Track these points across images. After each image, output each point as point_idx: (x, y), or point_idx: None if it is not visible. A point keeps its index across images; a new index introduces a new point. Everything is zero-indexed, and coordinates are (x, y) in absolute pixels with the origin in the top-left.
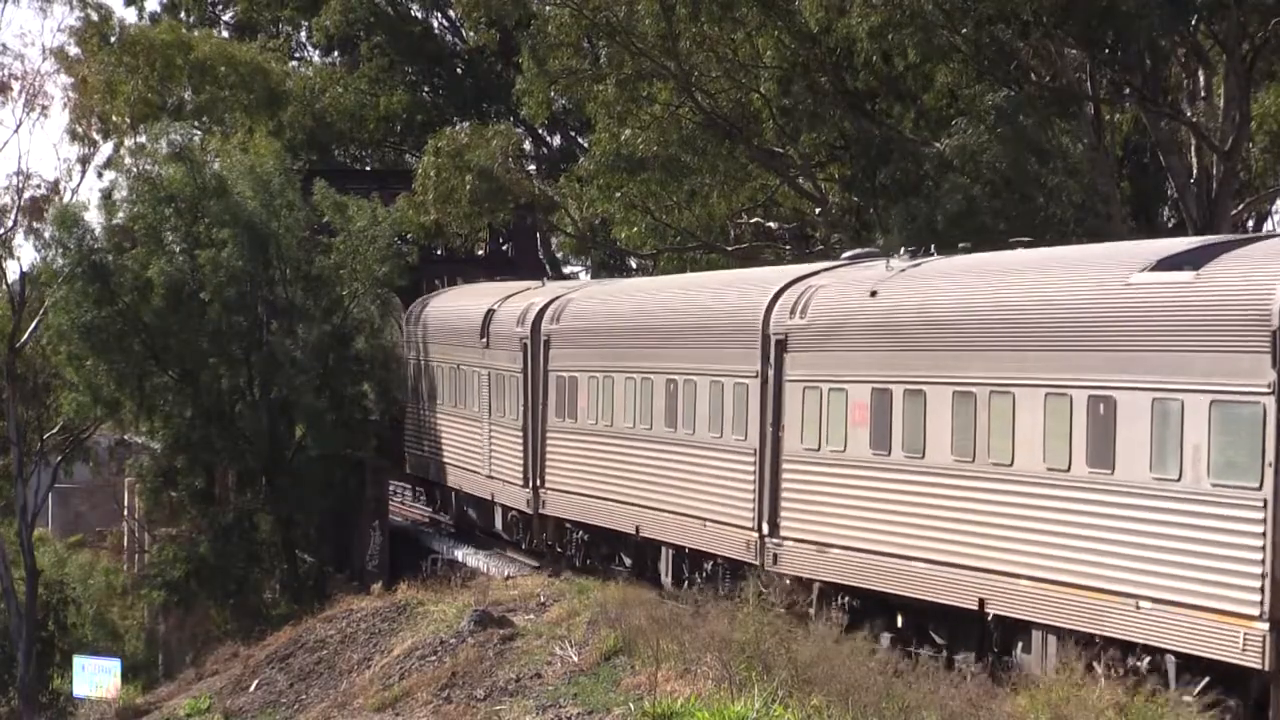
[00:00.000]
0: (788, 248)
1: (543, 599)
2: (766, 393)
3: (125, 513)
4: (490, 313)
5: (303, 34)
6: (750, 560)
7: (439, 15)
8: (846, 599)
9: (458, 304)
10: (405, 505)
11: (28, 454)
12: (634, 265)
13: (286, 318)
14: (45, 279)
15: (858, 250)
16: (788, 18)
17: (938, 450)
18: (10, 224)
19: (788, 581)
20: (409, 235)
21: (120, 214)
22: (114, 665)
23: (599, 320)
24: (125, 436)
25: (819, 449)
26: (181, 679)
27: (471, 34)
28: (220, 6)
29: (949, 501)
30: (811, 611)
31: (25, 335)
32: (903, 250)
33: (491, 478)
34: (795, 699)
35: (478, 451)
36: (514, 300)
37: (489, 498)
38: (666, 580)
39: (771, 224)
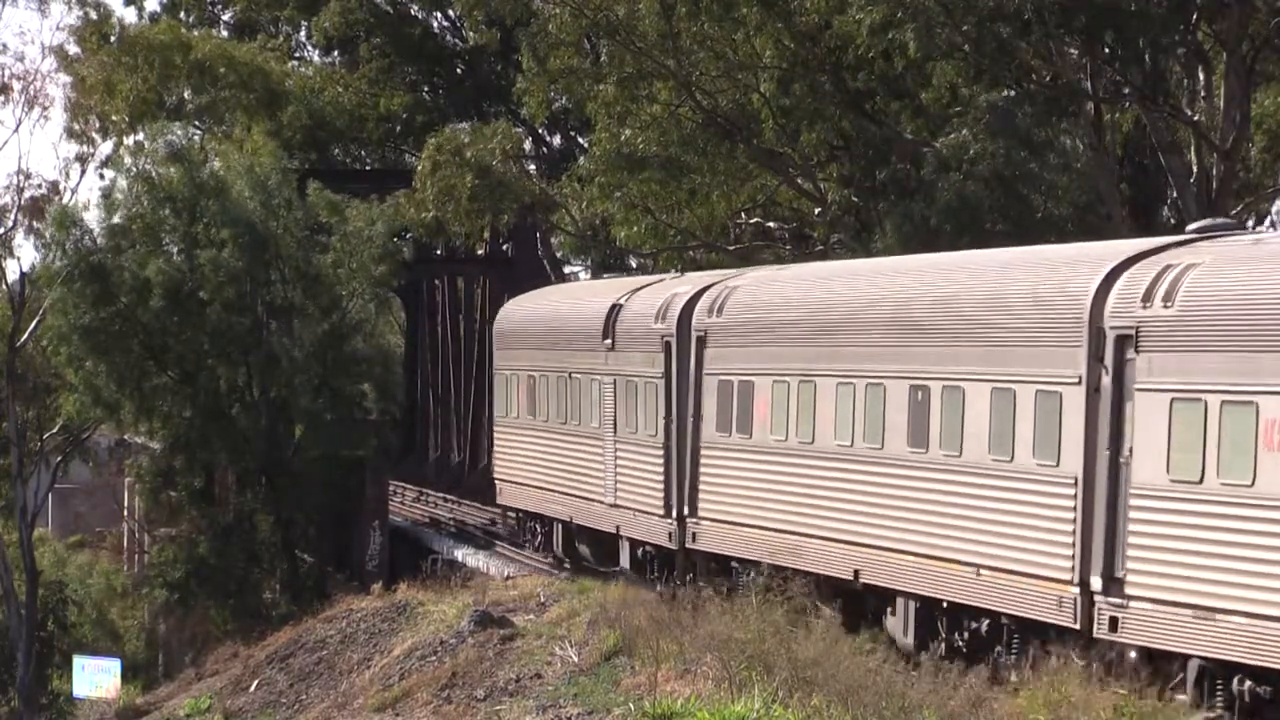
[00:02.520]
0: (788, 248)
1: (543, 599)
2: (1097, 404)
3: (125, 513)
4: (615, 309)
5: (302, 34)
6: (1065, 623)
7: (439, 15)
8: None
9: (564, 303)
10: (405, 505)
11: (27, 454)
12: (634, 265)
13: (285, 317)
14: (44, 280)
15: (1207, 221)
16: (787, 17)
17: None
18: (10, 224)
19: (1133, 655)
20: (409, 234)
21: (119, 214)
22: (114, 665)
23: (788, 311)
24: (125, 437)
25: (1202, 481)
26: (181, 679)
27: (472, 34)
28: (220, 6)
29: None
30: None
31: (25, 335)
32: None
33: (617, 506)
34: (795, 699)
35: (597, 476)
36: (647, 293)
37: (613, 531)
38: (905, 639)
39: (771, 224)
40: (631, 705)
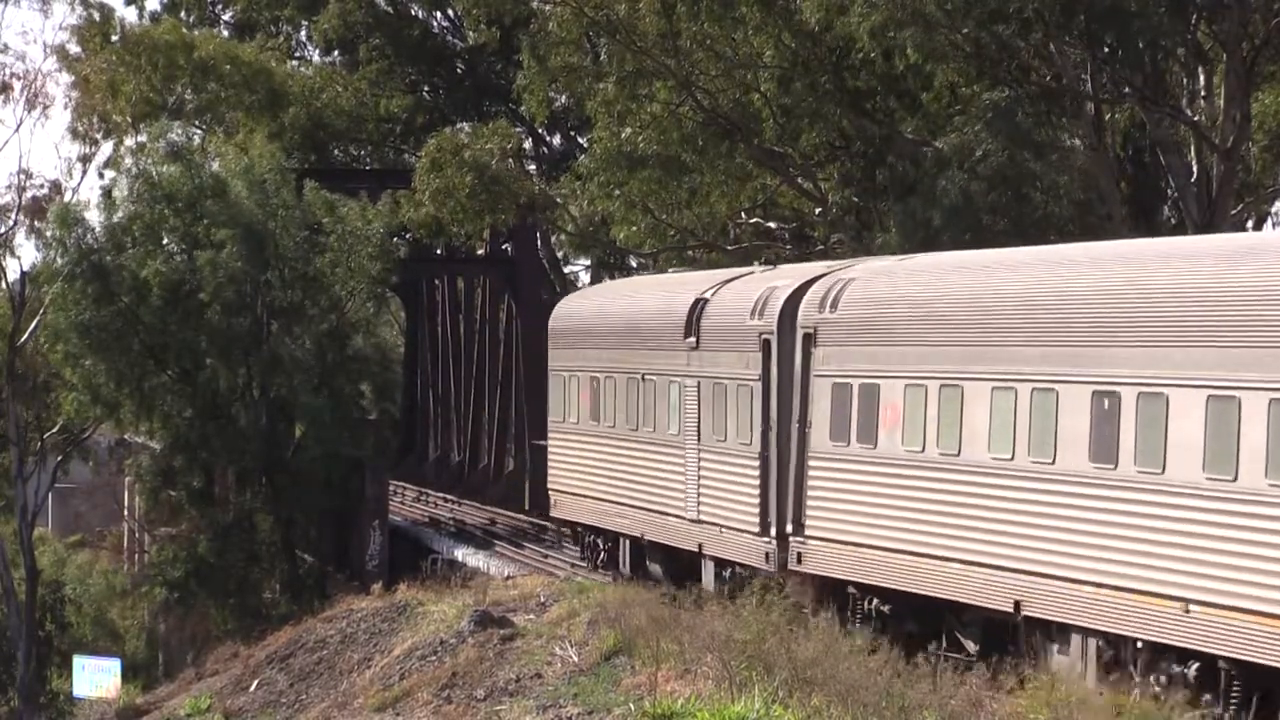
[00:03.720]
0: (788, 248)
1: (543, 599)
2: None
3: (125, 513)
4: (700, 304)
5: (302, 33)
6: None
7: (439, 15)
8: None
9: (634, 298)
10: (405, 505)
11: (27, 453)
12: (634, 264)
13: (285, 317)
14: (45, 279)
15: None
16: (787, 17)
17: None
18: (11, 223)
19: None
20: (407, 233)
21: (120, 213)
22: (114, 665)
23: (927, 306)
24: (125, 436)
25: None
26: (181, 679)
27: (471, 33)
28: (220, 6)
29: None
30: None
31: (25, 335)
32: None
33: (700, 522)
34: (795, 699)
35: (675, 488)
36: (736, 287)
37: (693, 549)
38: (1088, 678)
39: (771, 224)
40: (631, 705)
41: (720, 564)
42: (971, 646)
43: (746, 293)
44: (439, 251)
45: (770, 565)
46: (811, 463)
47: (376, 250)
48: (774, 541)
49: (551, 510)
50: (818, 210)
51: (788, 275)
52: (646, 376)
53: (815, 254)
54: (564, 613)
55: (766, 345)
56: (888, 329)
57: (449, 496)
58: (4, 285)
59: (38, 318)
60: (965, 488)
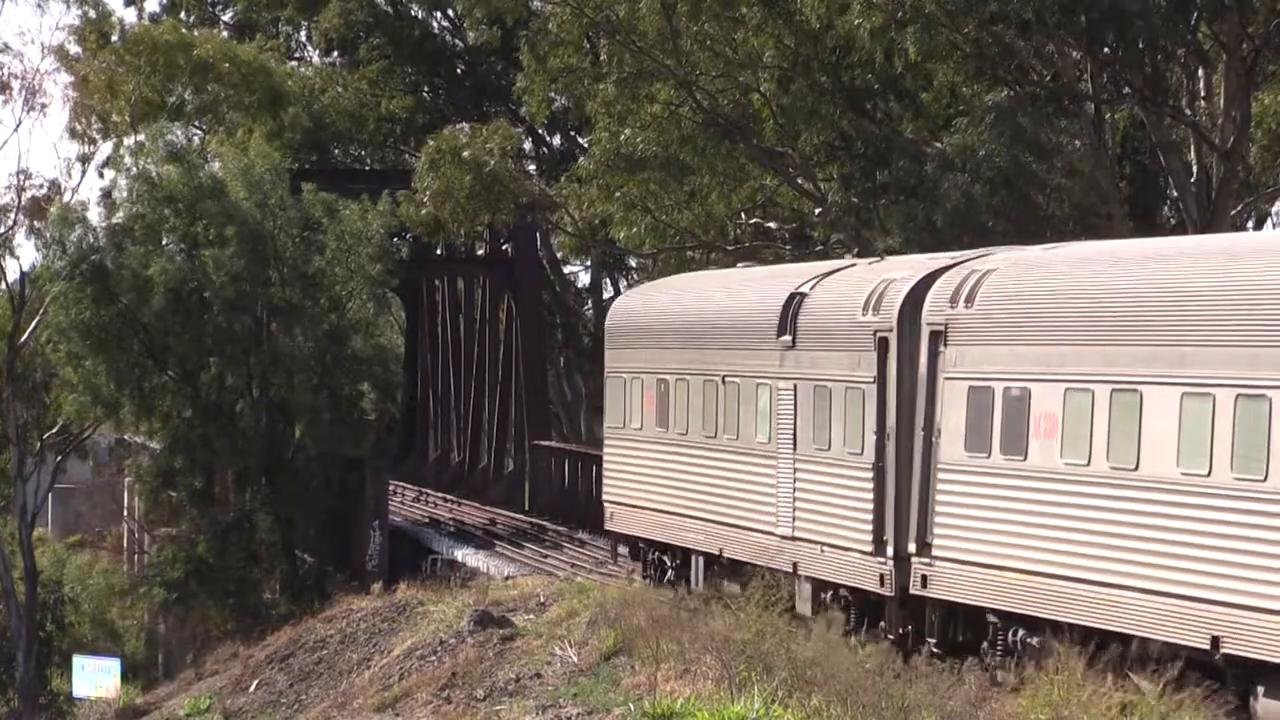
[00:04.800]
0: (788, 248)
1: (543, 599)
2: None
3: (125, 513)
4: (796, 299)
5: (302, 34)
6: None
7: (439, 15)
8: None
9: (710, 293)
10: (405, 505)
11: (27, 453)
12: (634, 264)
13: (284, 317)
14: (45, 279)
15: None
16: (787, 17)
17: None
18: (11, 223)
19: None
20: (408, 233)
21: (120, 213)
22: (114, 665)
23: (1095, 301)
24: (125, 436)
25: None
26: (181, 679)
27: (472, 33)
28: (220, 6)
29: None
30: None
31: (25, 335)
32: None
33: (794, 539)
34: (795, 699)
35: (762, 501)
36: (840, 280)
37: (786, 569)
38: None
39: (771, 224)
40: (631, 705)
41: (818, 585)
42: (1147, 687)
43: (855, 286)
44: (439, 251)
45: (886, 588)
46: (941, 475)
47: (376, 251)
48: (890, 562)
49: (606, 523)
50: (818, 210)
51: (904, 267)
52: (728, 379)
53: (815, 254)
54: (564, 613)
55: (883, 344)
56: (1041, 327)
57: (449, 496)
58: (4, 285)
59: (37, 317)
60: (1145, 506)
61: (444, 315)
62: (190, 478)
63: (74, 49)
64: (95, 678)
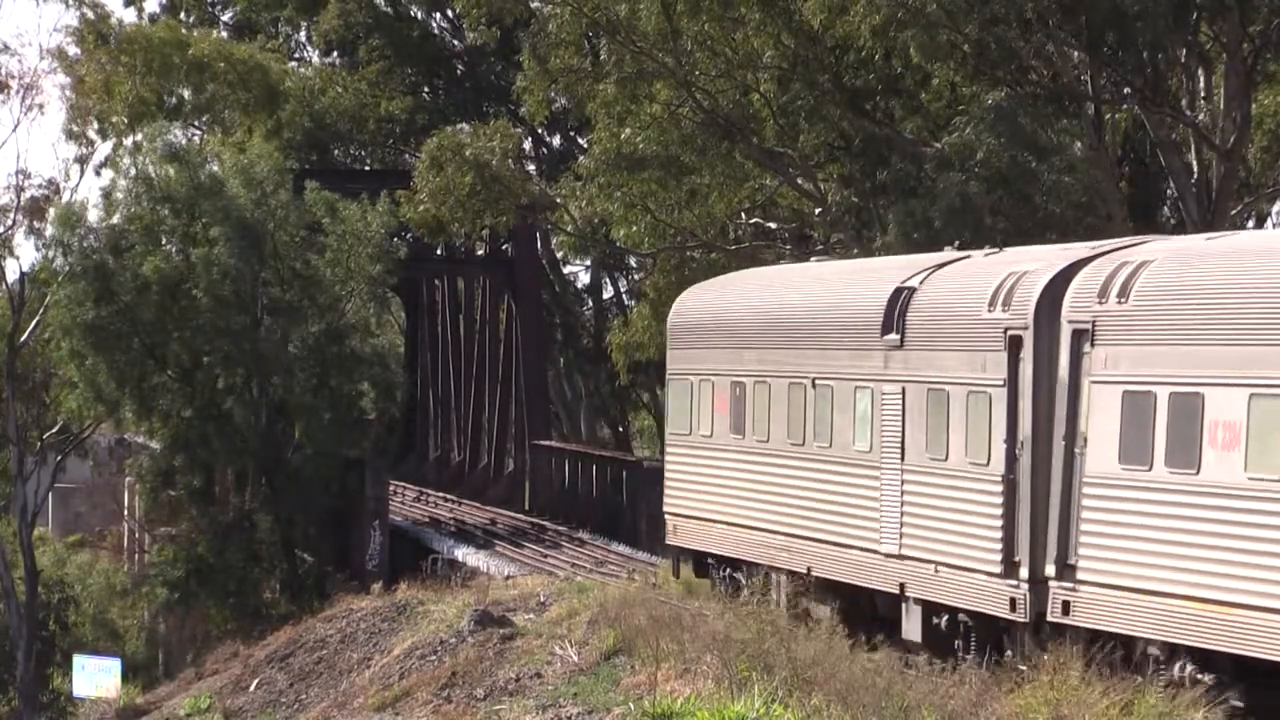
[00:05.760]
0: (788, 248)
1: (543, 599)
2: None
3: (125, 513)
4: (904, 294)
5: (302, 34)
6: None
7: (438, 15)
8: None
9: (796, 289)
10: (405, 505)
11: (27, 453)
12: (634, 264)
13: (283, 316)
14: (45, 279)
15: None
16: (787, 17)
17: None
18: (10, 223)
19: None
20: (408, 234)
21: (119, 214)
22: (114, 665)
23: None
24: (125, 436)
25: None
26: (181, 679)
27: (472, 34)
28: (219, 6)
29: None
30: None
31: (25, 334)
32: None
33: (901, 558)
34: (795, 699)
35: (862, 515)
36: (957, 272)
37: (893, 590)
38: None
39: (771, 224)
40: (631, 705)
41: (931, 608)
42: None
43: (977, 280)
44: (439, 251)
45: (1019, 614)
46: (1088, 490)
47: (376, 251)
48: (1024, 585)
49: (668, 538)
50: (818, 210)
51: (1033, 258)
52: (819, 381)
53: (815, 254)
54: (564, 612)
55: (1015, 343)
56: (1218, 324)
57: (449, 496)
58: (4, 286)
59: (37, 317)
60: None
61: (444, 315)
62: (190, 477)
63: (73, 50)
64: (96, 677)
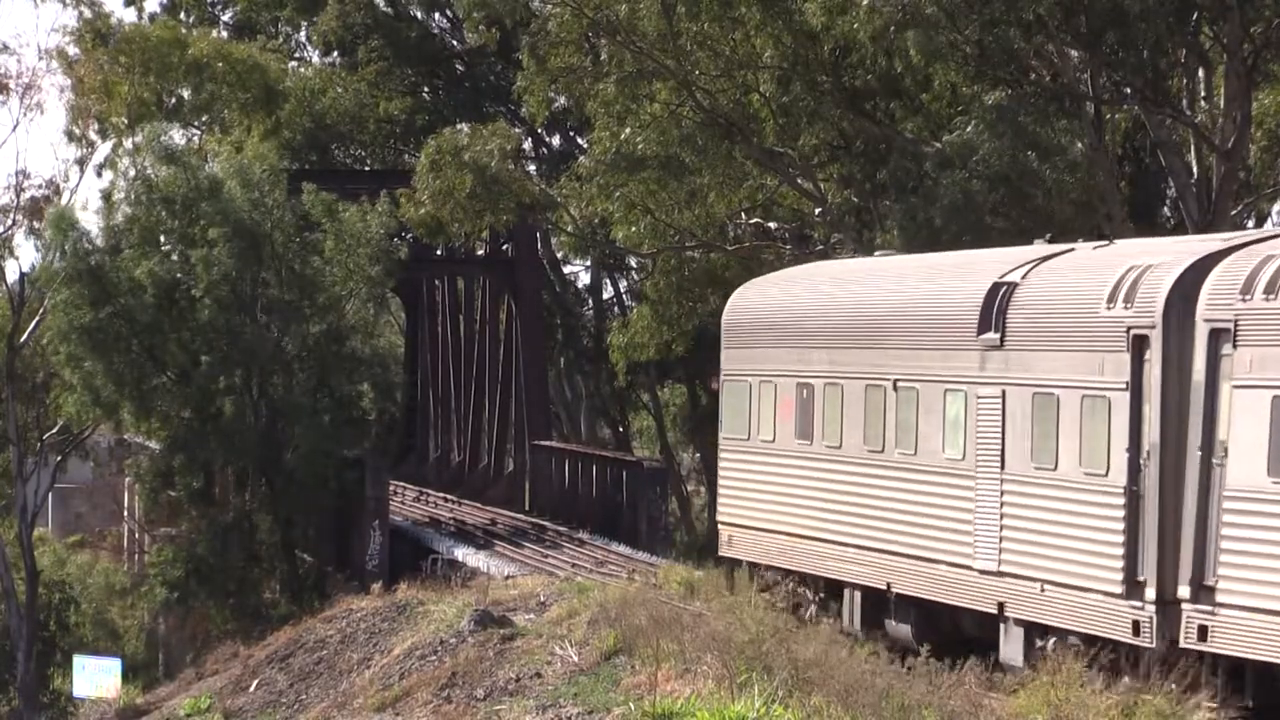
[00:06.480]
0: (788, 248)
1: (543, 599)
2: None
3: (125, 513)
4: (1004, 289)
5: (302, 34)
6: None
7: (438, 16)
8: None
9: (871, 284)
10: (405, 505)
11: (27, 453)
12: (634, 264)
13: (282, 317)
14: (44, 281)
15: None
16: (787, 17)
17: None
18: (10, 224)
19: None
20: (408, 234)
21: (118, 215)
22: (114, 665)
23: None
24: (124, 436)
25: None
26: (181, 679)
27: (471, 34)
28: (219, 7)
29: None
30: None
31: (25, 335)
32: None
33: (1000, 574)
34: (795, 699)
35: (953, 527)
36: (1066, 266)
37: (988, 609)
38: None
39: (771, 224)
40: (631, 705)
41: (1036, 630)
42: None
43: (1091, 274)
44: (439, 252)
45: (1143, 638)
46: (1229, 505)
47: (375, 251)
48: (1150, 607)
49: (721, 549)
50: (818, 210)
51: (1151, 251)
52: (901, 383)
53: (815, 254)
54: (564, 613)
55: (1139, 343)
56: None
57: (449, 496)
58: (4, 286)
59: (37, 318)
60: None
61: (444, 315)
62: (189, 478)
63: (72, 50)
64: (96, 678)
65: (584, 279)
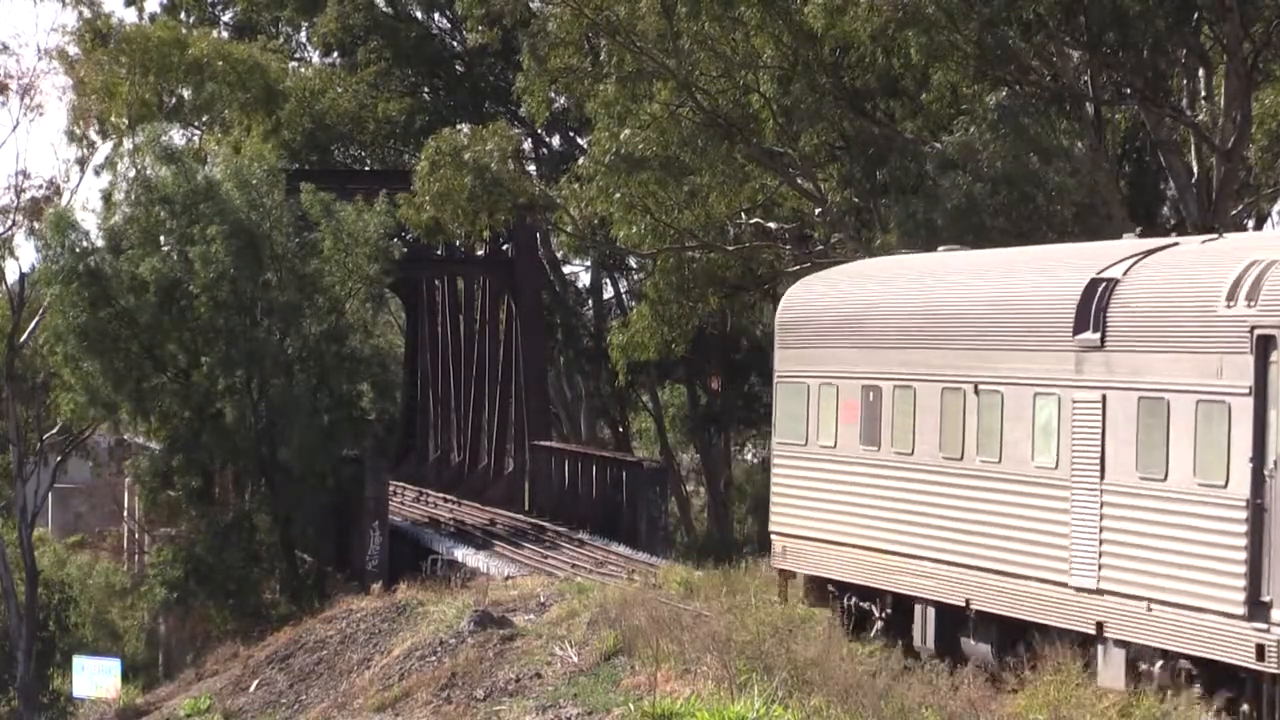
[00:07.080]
0: (788, 248)
1: (543, 599)
2: None
3: (125, 513)
4: (1104, 285)
5: (302, 34)
6: None
7: (438, 16)
8: None
9: (946, 280)
10: (405, 505)
11: (27, 454)
12: (634, 264)
13: (281, 317)
14: (43, 281)
15: None
16: (787, 17)
17: None
18: (10, 224)
19: None
20: (407, 233)
21: (118, 216)
22: (114, 665)
23: None
24: (124, 437)
25: None
26: (181, 679)
27: (471, 35)
28: (220, 7)
29: None
30: None
31: (25, 335)
32: None
33: (1099, 592)
34: (795, 699)
35: (1044, 541)
36: (1173, 261)
37: (1085, 629)
38: None
39: (771, 224)
40: (631, 705)
41: (1137, 652)
42: None
43: (1205, 269)
44: (438, 252)
45: (1269, 662)
46: None
47: (373, 251)
48: (1278, 629)
49: (774, 560)
50: (818, 210)
51: (1269, 245)
52: (983, 387)
53: (815, 254)
54: (564, 613)
55: (1264, 344)
56: None
57: (449, 496)
58: (4, 287)
59: (37, 318)
60: None
61: (444, 315)
62: (189, 478)
63: (73, 50)
64: (96, 678)
65: (584, 279)
